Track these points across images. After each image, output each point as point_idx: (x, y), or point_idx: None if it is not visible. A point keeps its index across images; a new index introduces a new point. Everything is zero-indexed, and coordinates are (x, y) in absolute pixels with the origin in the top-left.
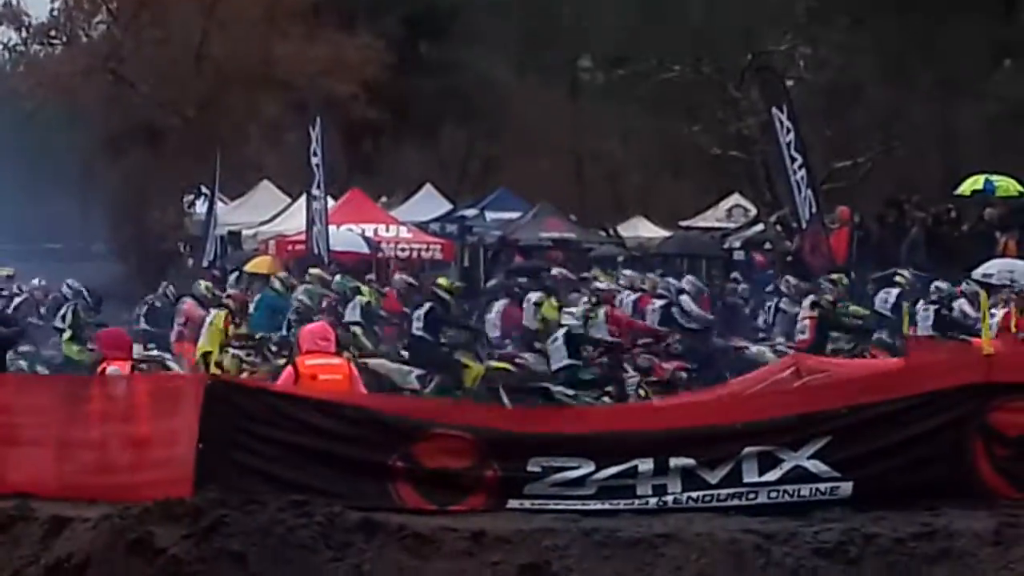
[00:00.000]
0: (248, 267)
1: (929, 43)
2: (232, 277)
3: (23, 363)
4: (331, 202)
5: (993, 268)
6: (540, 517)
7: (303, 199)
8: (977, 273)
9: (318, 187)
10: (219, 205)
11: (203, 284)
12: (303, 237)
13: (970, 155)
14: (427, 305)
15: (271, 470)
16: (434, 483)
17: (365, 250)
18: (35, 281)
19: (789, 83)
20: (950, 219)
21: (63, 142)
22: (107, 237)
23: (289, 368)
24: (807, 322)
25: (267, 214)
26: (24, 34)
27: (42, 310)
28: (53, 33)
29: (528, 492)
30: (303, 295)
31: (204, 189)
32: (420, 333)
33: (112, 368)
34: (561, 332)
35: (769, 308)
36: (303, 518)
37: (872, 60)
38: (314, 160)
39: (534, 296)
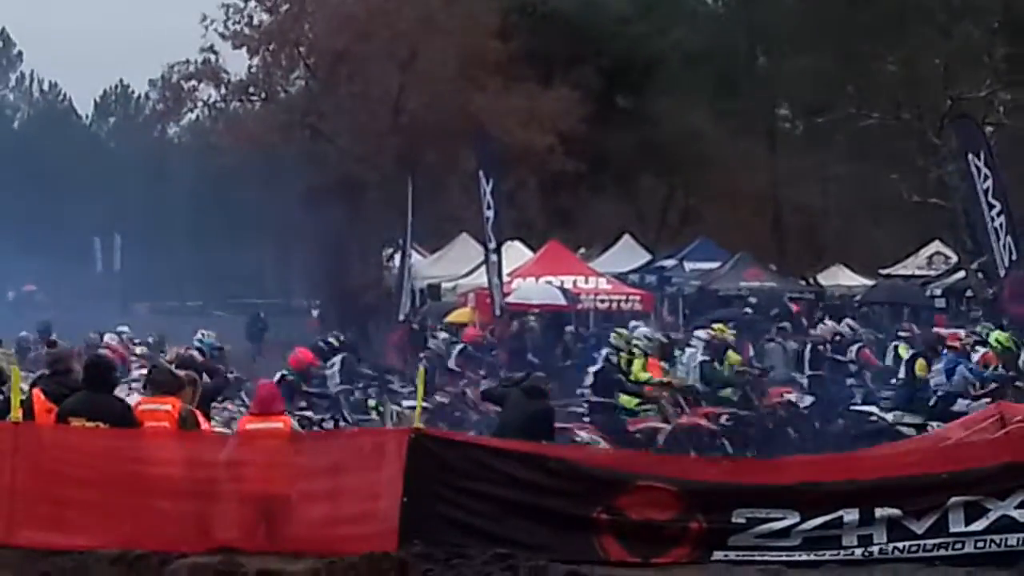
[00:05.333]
0: (449, 318)
1: None
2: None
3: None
4: (529, 253)
5: None
6: (745, 569)
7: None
8: None
9: (489, 240)
10: (418, 258)
11: None
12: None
13: None
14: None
15: (475, 523)
16: (638, 535)
17: (563, 302)
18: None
19: (988, 129)
20: None
21: (262, 198)
22: (307, 292)
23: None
24: None
25: (466, 267)
26: (223, 91)
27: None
28: (252, 89)
29: (733, 544)
30: None
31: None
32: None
33: (253, 425)
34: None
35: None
36: (508, 571)
37: None
38: (487, 213)
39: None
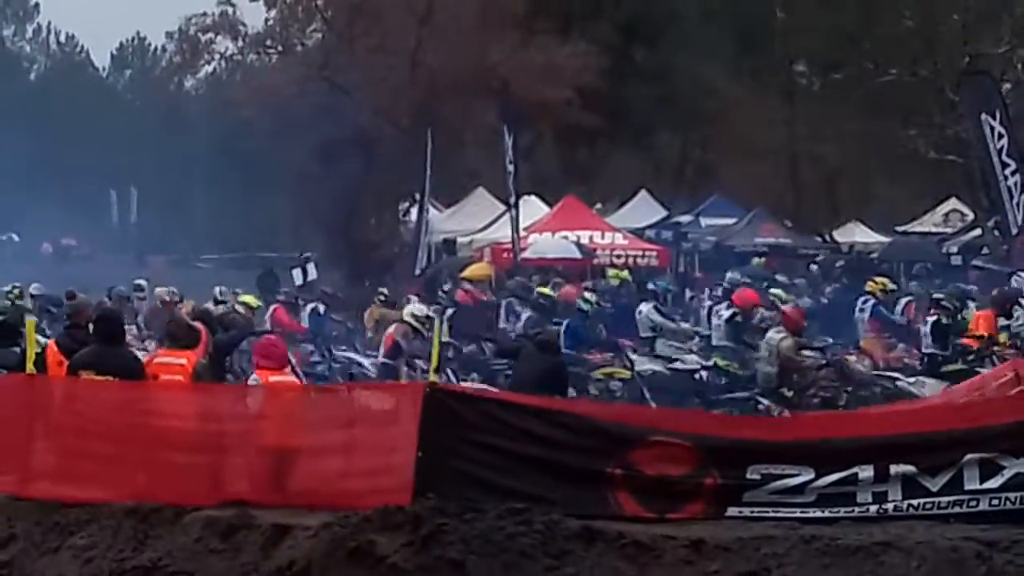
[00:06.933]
0: (465, 273)
1: None
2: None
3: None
4: (546, 208)
5: None
6: (759, 525)
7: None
8: None
9: (510, 194)
10: (434, 212)
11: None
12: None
13: None
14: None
15: (490, 478)
16: (653, 491)
17: (579, 256)
18: None
19: (1006, 86)
20: None
21: (278, 151)
22: (321, 245)
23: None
24: None
25: (482, 221)
26: (240, 43)
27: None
28: (269, 42)
29: (747, 500)
30: None
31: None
32: None
33: (254, 378)
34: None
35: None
36: (522, 526)
37: None
38: (508, 168)
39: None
